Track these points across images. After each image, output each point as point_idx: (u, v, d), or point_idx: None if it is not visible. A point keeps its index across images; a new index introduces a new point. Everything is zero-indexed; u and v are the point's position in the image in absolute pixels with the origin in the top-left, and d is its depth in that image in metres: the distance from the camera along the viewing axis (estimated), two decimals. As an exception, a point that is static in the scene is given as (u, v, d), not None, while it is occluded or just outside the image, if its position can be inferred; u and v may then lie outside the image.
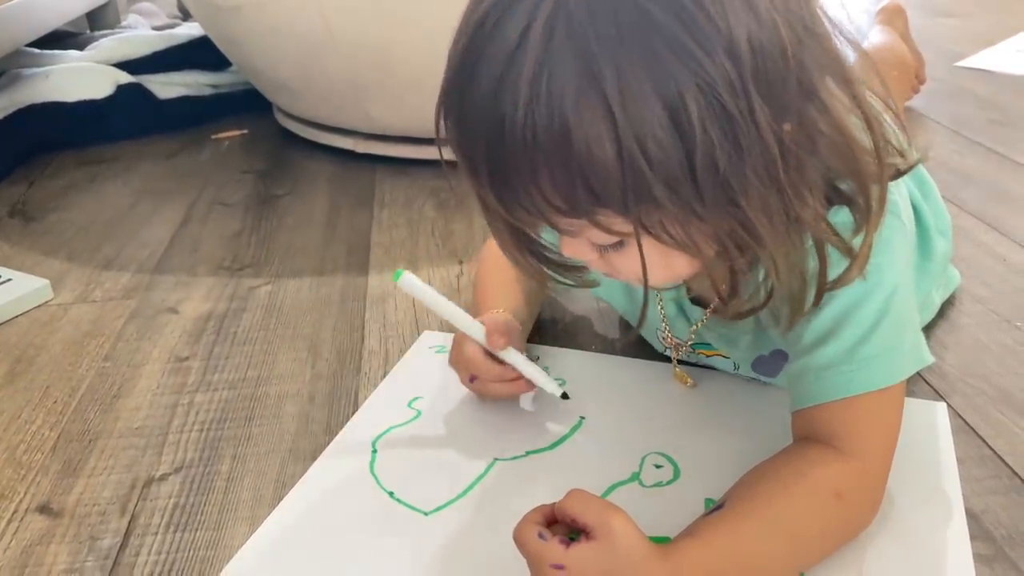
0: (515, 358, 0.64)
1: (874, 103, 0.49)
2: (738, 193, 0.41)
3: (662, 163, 0.39)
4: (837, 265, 0.50)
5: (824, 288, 0.50)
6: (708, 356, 0.70)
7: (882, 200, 0.48)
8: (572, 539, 0.47)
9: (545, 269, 0.55)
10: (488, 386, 0.65)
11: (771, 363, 0.65)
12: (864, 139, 0.47)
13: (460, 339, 0.66)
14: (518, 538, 0.47)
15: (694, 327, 0.66)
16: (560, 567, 0.45)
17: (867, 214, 0.48)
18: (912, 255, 0.57)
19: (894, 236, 0.53)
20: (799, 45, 0.42)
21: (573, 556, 0.45)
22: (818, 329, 0.53)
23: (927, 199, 0.74)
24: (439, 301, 0.64)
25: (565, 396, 0.66)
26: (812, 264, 0.49)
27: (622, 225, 0.43)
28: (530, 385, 0.65)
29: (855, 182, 0.48)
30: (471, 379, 0.65)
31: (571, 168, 0.40)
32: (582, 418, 0.67)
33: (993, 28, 1.79)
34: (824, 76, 0.44)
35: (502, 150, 0.41)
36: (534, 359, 0.70)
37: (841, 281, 0.50)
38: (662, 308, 0.67)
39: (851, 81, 0.46)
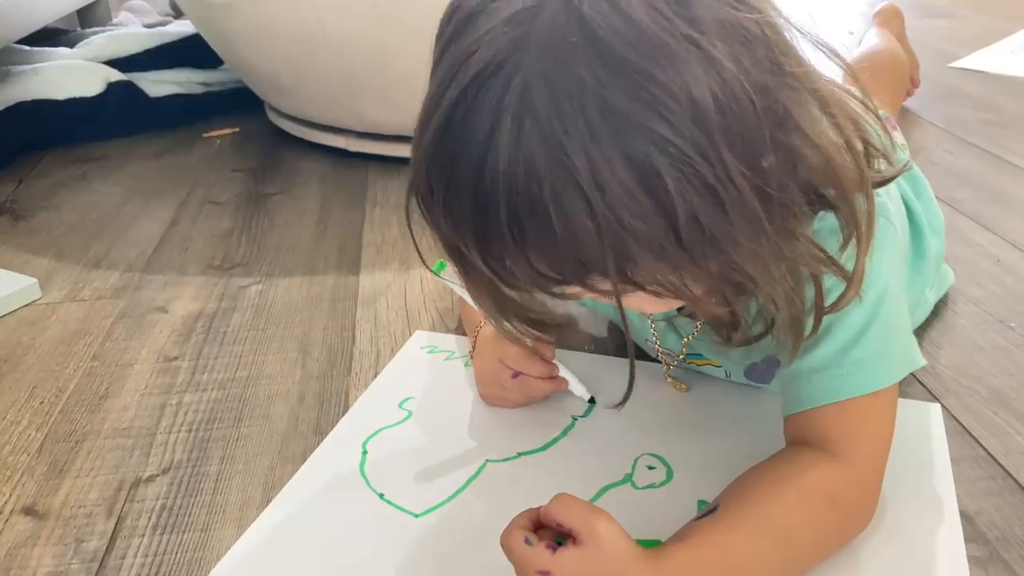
0: (557, 361, 0.66)
1: (856, 107, 0.48)
2: (726, 246, 0.41)
3: (645, 233, 0.39)
4: (835, 288, 0.49)
5: (822, 314, 0.50)
6: (700, 365, 0.70)
7: (870, 216, 0.48)
8: (560, 544, 0.46)
9: (528, 329, 0.54)
10: (533, 383, 0.66)
11: (764, 371, 0.65)
12: (845, 157, 0.46)
13: (495, 336, 0.65)
14: (505, 543, 0.47)
15: (685, 340, 0.66)
16: (547, 573, 0.44)
17: (854, 226, 0.48)
18: (903, 256, 0.57)
19: (883, 239, 0.52)
20: (767, 90, 0.41)
21: (559, 562, 0.44)
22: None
23: (920, 198, 0.74)
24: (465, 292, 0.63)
25: (592, 401, 0.67)
26: (810, 292, 0.49)
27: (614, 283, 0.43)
28: (563, 384, 0.66)
29: (837, 193, 0.47)
30: (514, 375, 0.65)
31: (558, 247, 0.40)
32: (574, 419, 0.67)
33: (986, 29, 1.80)
34: (802, 106, 0.43)
35: (490, 241, 0.41)
36: None
37: (839, 304, 0.50)
38: (652, 322, 0.67)
39: (829, 103, 0.45)
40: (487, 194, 0.40)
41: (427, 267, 0.55)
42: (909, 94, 1.31)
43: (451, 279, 0.61)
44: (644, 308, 0.51)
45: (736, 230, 0.40)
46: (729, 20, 0.40)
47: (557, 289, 0.44)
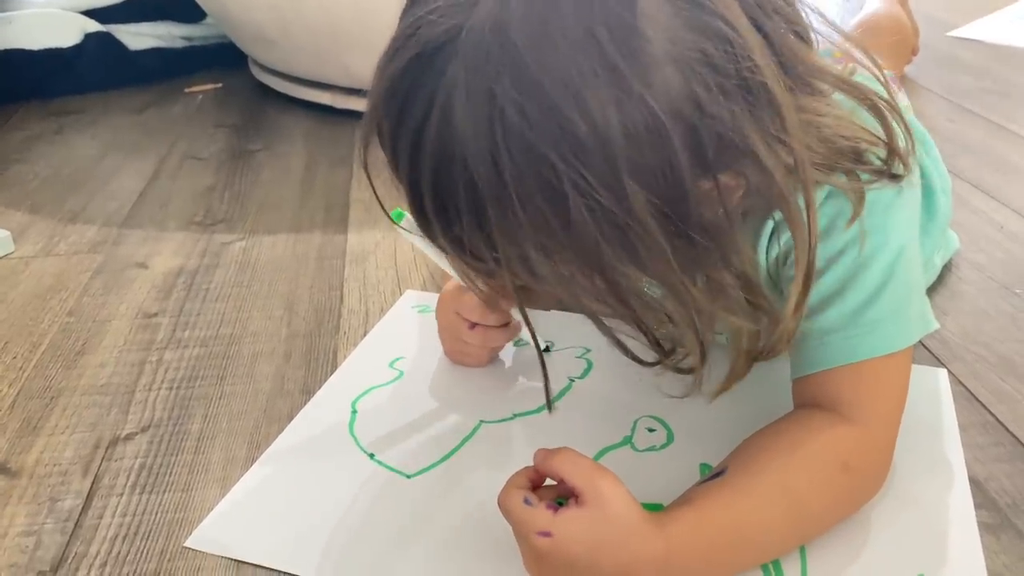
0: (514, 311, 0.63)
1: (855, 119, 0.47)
2: (631, 276, 0.41)
3: (552, 248, 0.40)
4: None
5: (752, 357, 0.49)
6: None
7: (811, 247, 0.45)
8: (560, 504, 0.44)
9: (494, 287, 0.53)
10: (491, 333, 0.63)
11: None
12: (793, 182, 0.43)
13: (456, 288, 0.63)
14: (503, 504, 0.45)
15: None
16: (547, 534, 0.42)
17: (801, 252, 0.46)
18: (918, 215, 0.55)
19: (898, 195, 0.50)
20: (705, 118, 0.39)
21: (561, 523, 0.42)
22: (822, 292, 0.50)
23: (930, 157, 0.72)
24: (437, 252, 0.61)
25: (547, 350, 0.66)
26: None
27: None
28: (518, 328, 0.64)
29: (784, 218, 0.45)
30: (471, 327, 0.63)
31: (474, 237, 0.41)
32: (571, 380, 0.65)
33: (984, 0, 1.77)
34: (761, 128, 0.41)
35: (420, 215, 0.43)
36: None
37: (765, 354, 0.49)
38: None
39: (785, 115, 0.41)
40: (418, 172, 0.41)
41: (386, 214, 0.54)
42: (908, 62, 1.28)
43: (409, 228, 0.60)
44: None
45: (638, 253, 0.40)
46: (682, 39, 0.38)
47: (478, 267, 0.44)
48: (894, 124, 0.48)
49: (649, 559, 0.42)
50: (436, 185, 0.40)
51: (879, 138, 0.47)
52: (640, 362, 0.51)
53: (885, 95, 0.48)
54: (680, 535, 0.43)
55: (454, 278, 0.62)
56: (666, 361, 0.51)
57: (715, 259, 0.43)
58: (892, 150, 0.48)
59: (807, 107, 0.44)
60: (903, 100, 0.81)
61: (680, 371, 0.52)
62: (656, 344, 0.48)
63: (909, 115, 0.76)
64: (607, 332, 0.47)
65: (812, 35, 0.45)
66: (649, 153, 0.38)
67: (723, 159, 0.40)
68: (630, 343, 0.49)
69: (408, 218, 0.59)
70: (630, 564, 0.42)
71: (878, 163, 0.48)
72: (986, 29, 1.58)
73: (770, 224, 0.51)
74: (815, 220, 0.45)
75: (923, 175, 0.67)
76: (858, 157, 0.47)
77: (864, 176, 0.48)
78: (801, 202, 0.44)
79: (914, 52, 1.28)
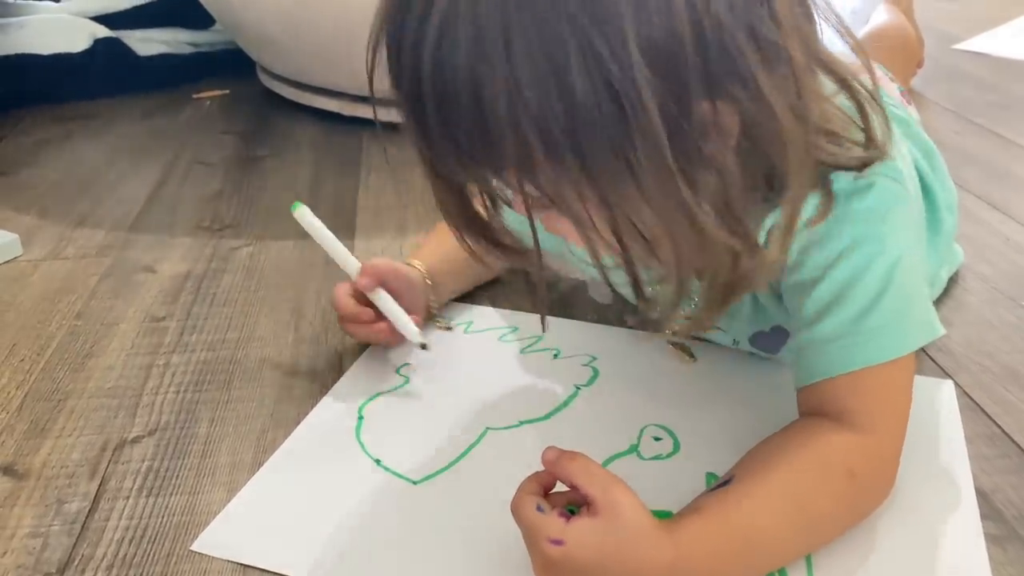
0: (382, 301, 0.65)
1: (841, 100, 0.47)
2: (621, 166, 0.40)
3: (544, 119, 0.38)
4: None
5: (731, 289, 0.48)
6: (705, 331, 0.68)
7: (801, 183, 0.45)
8: (571, 512, 0.44)
9: (490, 247, 0.52)
10: (346, 326, 0.67)
11: (771, 339, 0.63)
12: (799, 130, 0.43)
13: (341, 286, 0.67)
14: (515, 510, 0.45)
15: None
16: (559, 542, 0.42)
17: (790, 206, 0.45)
18: (920, 226, 0.55)
19: (896, 204, 0.51)
20: (724, 30, 0.39)
21: (573, 531, 0.42)
22: (820, 301, 0.51)
23: (936, 173, 0.72)
24: (326, 237, 0.68)
25: (424, 347, 0.65)
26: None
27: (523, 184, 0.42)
28: (393, 334, 0.65)
29: (781, 166, 0.45)
30: (341, 320, 0.67)
31: (470, 124, 0.40)
32: (577, 387, 0.65)
33: (989, 13, 1.78)
34: (772, 65, 0.41)
35: (418, 117, 0.41)
36: (442, 321, 0.73)
37: (747, 284, 0.48)
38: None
39: (799, 68, 0.42)
40: (421, 65, 0.40)
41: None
42: (914, 74, 1.29)
43: (303, 219, 0.68)
44: (568, 237, 0.47)
45: (634, 149, 0.39)
46: None
47: (479, 180, 0.45)
48: (871, 113, 0.48)
49: (658, 566, 0.42)
50: (436, 81, 0.39)
51: (857, 125, 0.48)
52: (621, 295, 0.49)
53: (868, 84, 0.48)
54: (689, 542, 0.44)
55: (345, 267, 0.67)
56: (644, 305, 0.49)
57: (707, 180, 0.42)
58: (870, 138, 0.48)
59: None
60: (913, 114, 0.82)
61: (650, 322, 0.51)
62: (636, 283, 0.46)
63: (918, 128, 0.77)
64: (594, 257, 0.45)
65: (816, 17, 0.46)
66: (668, 49, 0.38)
67: (725, 79, 0.40)
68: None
69: (303, 208, 0.66)
70: (639, 572, 0.42)
71: (856, 149, 0.48)
72: (992, 42, 1.59)
73: (769, 222, 0.51)
74: (812, 167, 0.45)
75: (927, 192, 0.67)
76: (835, 141, 0.47)
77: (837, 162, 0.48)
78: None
79: (919, 64, 1.28)
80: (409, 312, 0.66)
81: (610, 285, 0.49)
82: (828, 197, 0.48)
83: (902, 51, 1.12)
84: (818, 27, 0.45)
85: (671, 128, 0.39)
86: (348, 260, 0.67)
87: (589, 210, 0.42)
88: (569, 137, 0.39)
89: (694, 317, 0.51)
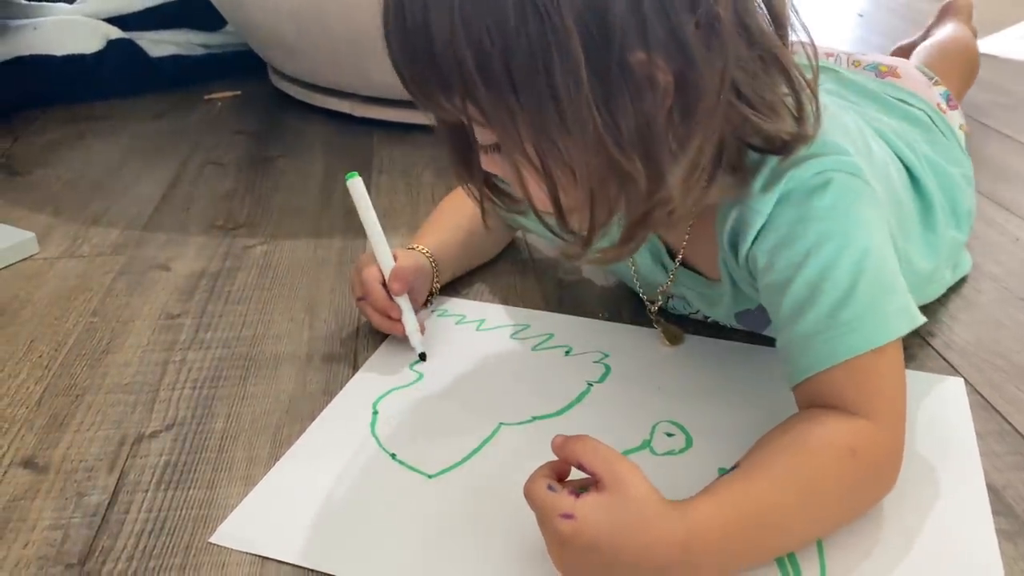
0: (404, 304, 0.68)
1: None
2: (546, 95, 0.44)
3: (484, 45, 0.43)
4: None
5: (642, 226, 0.50)
6: (691, 316, 0.71)
7: (706, 134, 0.47)
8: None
9: (488, 193, 0.57)
10: (370, 312, 0.69)
11: (757, 317, 0.64)
12: (716, 85, 0.46)
13: (368, 259, 0.70)
14: (528, 490, 0.46)
15: (670, 277, 0.65)
16: (570, 516, 0.43)
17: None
18: (885, 220, 0.55)
19: (858, 198, 0.52)
20: None
21: (583, 506, 0.43)
22: (795, 299, 0.52)
23: (937, 175, 0.71)
24: (370, 219, 0.70)
25: (422, 357, 0.68)
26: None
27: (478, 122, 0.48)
28: (399, 328, 0.69)
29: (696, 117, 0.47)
30: (359, 298, 0.70)
31: (423, 49, 0.46)
32: (590, 384, 0.65)
33: (996, 15, 1.78)
34: (697, 26, 0.44)
35: (393, 41, 0.48)
36: (425, 308, 0.75)
37: (656, 220, 0.50)
38: (632, 261, 0.68)
39: (729, 34, 0.45)
40: (395, 11, 0.46)
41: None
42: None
43: (355, 192, 0.70)
44: (504, 175, 0.53)
45: (555, 74, 0.43)
46: None
47: (440, 107, 0.49)
48: (806, 101, 0.50)
49: (670, 541, 0.43)
50: (398, 13, 0.46)
51: (790, 111, 0.50)
52: (557, 235, 0.52)
53: (807, 74, 0.50)
54: (699, 520, 0.44)
55: (373, 250, 0.69)
56: (566, 235, 0.52)
57: (630, 126, 0.45)
58: (800, 120, 0.50)
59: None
60: (953, 120, 0.82)
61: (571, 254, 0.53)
62: (560, 211, 0.49)
63: (960, 134, 0.78)
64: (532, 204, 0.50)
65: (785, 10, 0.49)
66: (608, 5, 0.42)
67: (659, 32, 0.44)
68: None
69: (358, 181, 0.69)
70: (651, 546, 0.43)
71: (785, 126, 0.50)
72: (1000, 44, 1.59)
73: (733, 215, 0.54)
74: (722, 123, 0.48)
75: (920, 191, 0.67)
76: (763, 114, 0.49)
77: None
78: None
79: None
80: (415, 300, 0.70)
81: (540, 219, 0.52)
82: (743, 173, 0.52)
83: (961, 63, 1.11)
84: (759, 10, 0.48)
85: (594, 62, 0.43)
86: (385, 252, 0.69)
87: (520, 133, 0.46)
88: (500, 57, 0.43)
89: (610, 250, 0.53)
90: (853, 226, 0.51)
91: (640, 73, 0.44)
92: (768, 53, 0.48)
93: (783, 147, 0.51)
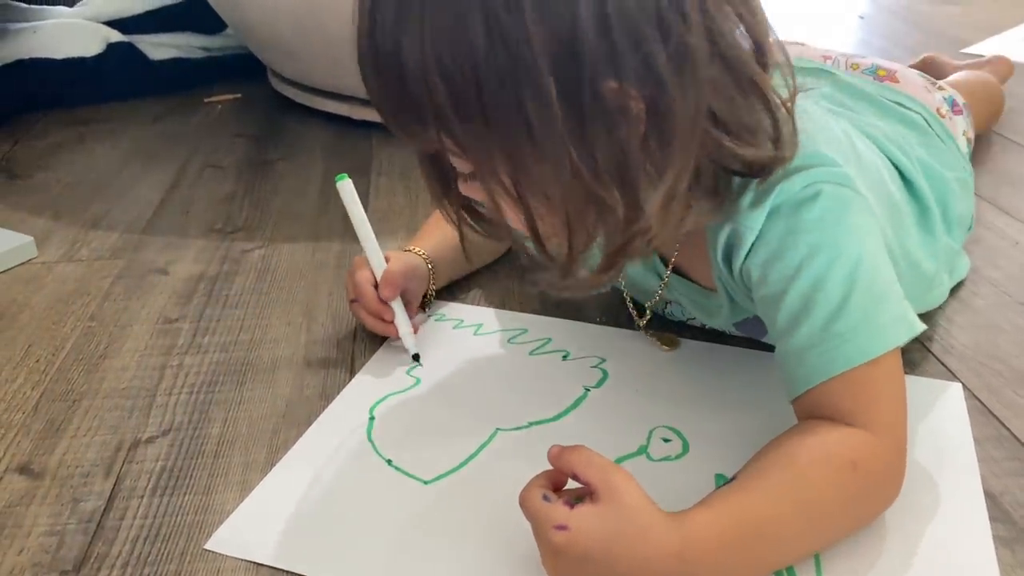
0: (396, 307, 0.69)
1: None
2: (518, 123, 0.43)
3: (455, 75, 0.43)
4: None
5: (622, 255, 0.49)
6: (688, 322, 0.71)
7: (683, 161, 0.47)
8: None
9: (465, 216, 0.57)
10: (363, 315, 0.70)
11: (756, 324, 0.63)
12: (690, 112, 0.45)
13: (361, 262, 0.71)
14: (523, 500, 0.46)
15: (663, 284, 0.65)
16: (564, 527, 0.43)
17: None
18: (877, 228, 0.55)
19: (848, 208, 0.52)
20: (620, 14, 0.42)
21: (577, 517, 0.43)
22: (789, 312, 0.52)
23: (931, 179, 0.71)
24: (361, 221, 0.70)
25: (416, 358, 0.69)
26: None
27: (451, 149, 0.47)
28: (392, 331, 0.69)
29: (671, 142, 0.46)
30: (352, 301, 0.70)
31: (395, 80, 0.45)
32: (587, 389, 0.65)
33: (997, 17, 1.78)
34: (669, 56, 0.44)
35: (367, 71, 0.47)
36: (423, 310, 0.76)
37: (634, 249, 0.49)
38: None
39: (701, 62, 0.44)
40: (362, 31, 0.46)
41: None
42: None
43: (345, 194, 0.70)
44: (480, 198, 0.52)
45: (526, 106, 0.43)
46: None
47: (413, 143, 0.49)
48: (783, 124, 0.49)
49: (665, 552, 0.43)
50: (371, 44, 0.45)
51: (768, 135, 0.49)
52: (537, 262, 0.52)
53: (784, 95, 0.50)
54: (695, 531, 0.44)
55: (369, 258, 0.69)
56: (546, 262, 0.52)
57: (607, 157, 0.45)
58: (777, 142, 0.49)
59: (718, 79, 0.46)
60: (962, 124, 0.82)
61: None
62: (538, 240, 0.49)
63: (963, 139, 0.78)
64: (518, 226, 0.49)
65: (766, 34, 0.48)
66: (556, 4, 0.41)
67: (630, 61, 0.43)
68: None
69: (348, 183, 0.70)
70: (645, 558, 0.43)
71: (763, 150, 0.49)
72: (1000, 47, 1.58)
73: (725, 232, 0.54)
74: (698, 148, 0.47)
75: (916, 195, 0.67)
76: (739, 139, 0.49)
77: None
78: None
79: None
80: (410, 303, 0.71)
81: (522, 245, 0.52)
82: (721, 198, 0.51)
83: (981, 89, 1.10)
84: (738, 30, 0.47)
85: (566, 92, 0.43)
86: (376, 254, 0.69)
87: (495, 163, 0.46)
88: (472, 89, 0.43)
89: (590, 277, 0.52)
90: (844, 236, 0.51)
91: (613, 102, 0.44)
92: (746, 79, 0.47)
93: (760, 171, 0.50)
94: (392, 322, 0.69)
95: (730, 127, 0.48)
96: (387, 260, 0.70)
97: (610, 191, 0.45)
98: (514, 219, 0.49)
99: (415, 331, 0.70)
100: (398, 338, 0.69)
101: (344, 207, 0.71)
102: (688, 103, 0.44)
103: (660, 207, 0.47)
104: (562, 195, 0.46)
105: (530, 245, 0.50)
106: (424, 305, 0.75)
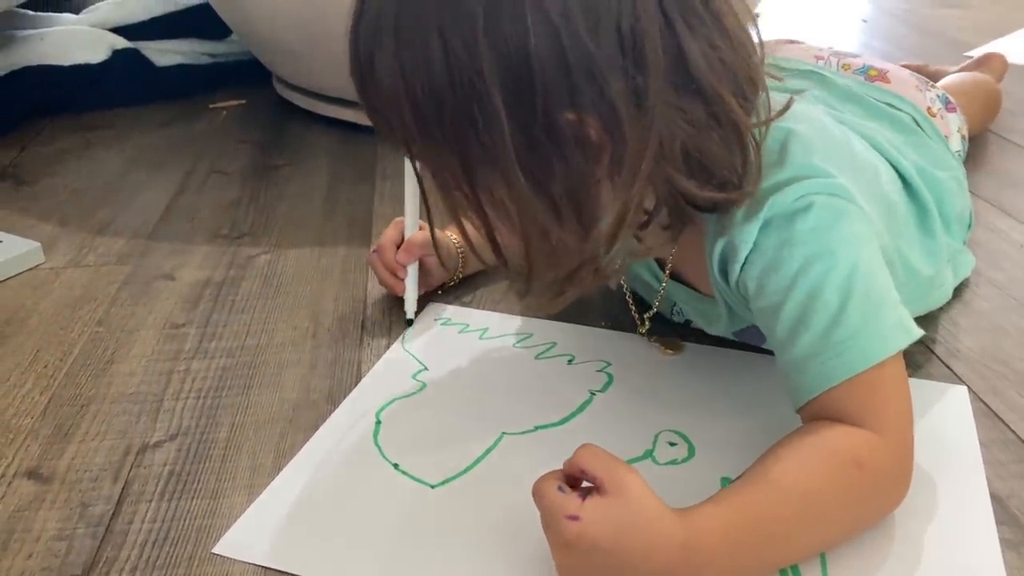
0: (410, 270, 0.75)
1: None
2: (475, 147, 0.45)
3: (416, 101, 0.45)
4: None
5: (576, 279, 0.51)
6: (693, 325, 0.71)
7: (626, 190, 0.47)
8: None
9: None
10: (378, 266, 0.76)
11: (756, 333, 0.64)
12: (641, 145, 0.46)
13: (399, 223, 0.76)
14: (537, 489, 0.46)
15: (661, 288, 0.66)
16: (576, 518, 0.43)
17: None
18: (873, 235, 0.55)
19: (841, 218, 0.52)
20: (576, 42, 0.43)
21: (588, 508, 0.44)
22: (787, 323, 0.52)
23: (924, 179, 0.71)
24: (410, 187, 0.73)
25: (409, 323, 0.75)
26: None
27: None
28: (399, 287, 0.75)
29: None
30: (373, 251, 0.76)
31: (373, 98, 0.48)
32: (593, 393, 0.65)
33: (999, 19, 1.78)
34: (625, 90, 0.45)
35: (358, 93, 0.50)
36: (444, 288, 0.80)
37: (583, 277, 0.51)
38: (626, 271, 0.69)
39: (658, 98, 0.45)
40: (350, 48, 0.49)
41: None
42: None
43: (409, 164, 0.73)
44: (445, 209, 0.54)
45: (480, 135, 0.44)
46: None
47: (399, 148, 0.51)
48: (752, 159, 0.50)
49: (670, 544, 0.43)
50: (354, 62, 0.48)
51: (731, 162, 0.50)
52: (507, 268, 0.53)
53: (750, 118, 0.50)
54: (700, 524, 0.45)
55: (406, 213, 0.74)
56: (507, 273, 0.53)
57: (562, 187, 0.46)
58: (742, 184, 0.51)
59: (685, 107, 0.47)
60: (956, 122, 0.82)
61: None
62: (498, 252, 0.51)
63: (957, 136, 0.78)
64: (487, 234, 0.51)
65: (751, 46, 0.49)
66: (509, 31, 0.43)
67: (587, 94, 0.44)
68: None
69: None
70: (652, 548, 0.43)
71: (724, 187, 0.50)
72: (1002, 49, 1.58)
73: (720, 244, 0.54)
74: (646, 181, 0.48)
75: (915, 196, 0.67)
76: (698, 176, 0.50)
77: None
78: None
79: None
80: (428, 276, 0.77)
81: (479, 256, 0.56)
82: (676, 231, 0.54)
83: (974, 89, 1.10)
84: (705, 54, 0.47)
85: (518, 122, 0.44)
86: (413, 219, 0.75)
87: (457, 178, 0.48)
88: (434, 110, 0.45)
89: (543, 298, 0.54)
90: (837, 245, 0.51)
91: (570, 133, 0.45)
92: (719, 109, 0.48)
93: (716, 208, 0.52)
94: (402, 280, 0.74)
95: (692, 160, 0.48)
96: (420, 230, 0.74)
97: (562, 217, 0.47)
98: (474, 227, 0.51)
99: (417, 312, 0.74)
100: (402, 295, 0.75)
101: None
102: (643, 136, 0.46)
103: (607, 236, 0.48)
104: (517, 214, 0.47)
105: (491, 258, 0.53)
106: (449, 284, 0.80)
